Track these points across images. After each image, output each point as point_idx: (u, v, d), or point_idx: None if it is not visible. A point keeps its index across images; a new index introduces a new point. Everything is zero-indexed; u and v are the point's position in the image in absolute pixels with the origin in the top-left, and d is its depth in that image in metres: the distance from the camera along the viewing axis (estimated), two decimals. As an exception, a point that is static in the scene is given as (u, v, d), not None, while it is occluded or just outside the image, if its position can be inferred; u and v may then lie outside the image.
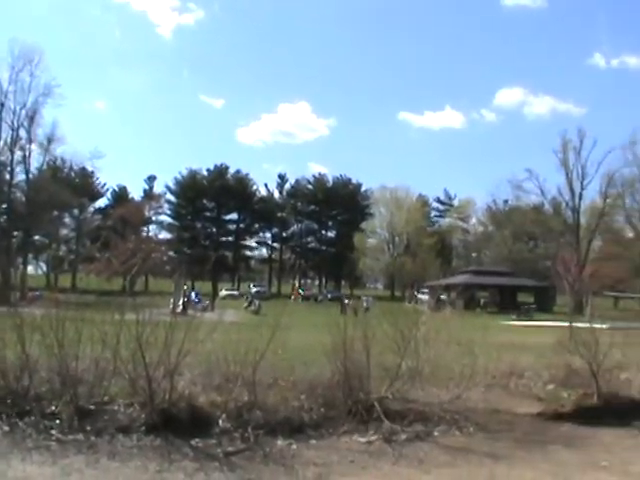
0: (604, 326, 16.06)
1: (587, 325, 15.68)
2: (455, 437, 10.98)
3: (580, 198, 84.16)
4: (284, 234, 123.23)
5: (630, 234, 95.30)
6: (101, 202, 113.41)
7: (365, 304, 41.26)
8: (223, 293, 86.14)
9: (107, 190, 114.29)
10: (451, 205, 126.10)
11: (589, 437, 11.67)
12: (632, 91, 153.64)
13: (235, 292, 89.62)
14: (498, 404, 13.07)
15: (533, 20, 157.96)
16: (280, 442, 10.09)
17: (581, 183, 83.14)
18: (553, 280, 52.30)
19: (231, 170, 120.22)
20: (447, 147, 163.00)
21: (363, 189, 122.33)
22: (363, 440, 10.43)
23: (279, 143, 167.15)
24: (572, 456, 10.27)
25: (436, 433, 11.01)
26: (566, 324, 19.57)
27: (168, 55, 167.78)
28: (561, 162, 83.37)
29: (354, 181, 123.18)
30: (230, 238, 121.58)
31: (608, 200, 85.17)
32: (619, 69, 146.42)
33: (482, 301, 73.33)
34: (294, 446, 9.99)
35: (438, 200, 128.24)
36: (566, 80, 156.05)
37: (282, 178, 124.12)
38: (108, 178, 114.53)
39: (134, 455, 9.22)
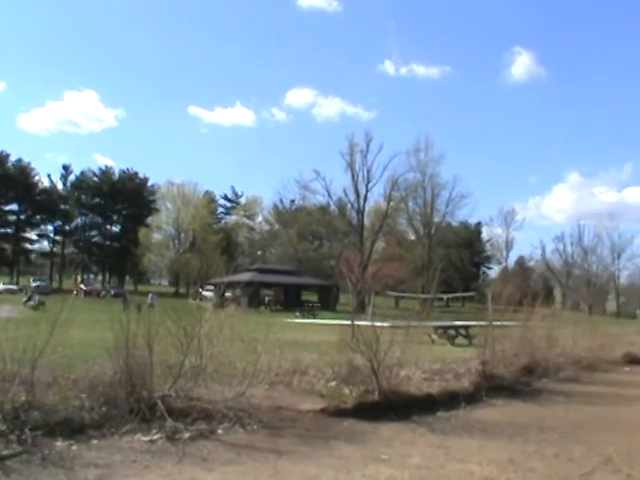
0: (385, 324, 16.45)
1: (369, 323, 16.00)
2: (239, 434, 10.87)
3: (365, 200, 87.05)
4: (67, 227, 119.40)
5: (412, 236, 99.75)
6: None
7: (149, 300, 40.75)
8: (0, 287, 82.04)
9: None
10: (238, 203, 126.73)
11: (370, 432, 11.91)
12: (419, 99, 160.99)
13: (14, 286, 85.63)
14: (282, 401, 13.09)
15: (327, 24, 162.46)
16: (60, 443, 9.56)
17: (366, 186, 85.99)
18: (337, 279, 53.39)
19: (12, 158, 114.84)
20: (237, 144, 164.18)
21: (150, 184, 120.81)
22: (146, 439, 10.10)
23: (64, 132, 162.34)
24: (354, 450, 10.41)
25: (220, 431, 10.84)
26: (349, 322, 19.95)
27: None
28: (348, 164, 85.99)
29: (141, 175, 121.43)
30: (9, 230, 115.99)
31: (392, 203, 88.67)
32: (408, 77, 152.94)
33: (267, 299, 74.12)
34: (74, 447, 9.50)
35: (225, 197, 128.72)
36: (356, 84, 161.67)
37: (66, 169, 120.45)
38: None
39: None
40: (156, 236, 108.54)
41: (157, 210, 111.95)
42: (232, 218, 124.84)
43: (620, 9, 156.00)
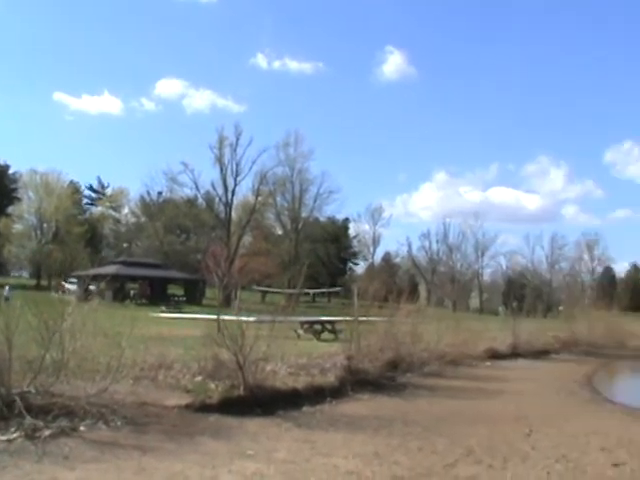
0: (251, 319, 16.42)
1: (235, 318, 15.94)
2: (102, 431, 10.61)
3: (233, 194, 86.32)
4: None
5: (279, 231, 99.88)
6: None
7: (5, 293, 39.42)
8: None
9: None
10: (104, 194, 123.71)
11: (236, 427, 11.88)
12: (290, 94, 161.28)
13: None
14: (146, 397, 12.88)
15: (201, 14, 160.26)
16: None
17: (235, 179, 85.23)
18: (203, 273, 52.95)
19: None
20: (104, 133, 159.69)
21: (11, 171, 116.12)
22: (3, 438, 9.70)
23: None
24: (220, 446, 10.35)
25: (82, 428, 10.54)
26: (215, 317, 19.80)
27: None
28: (217, 157, 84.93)
29: (1, 162, 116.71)
30: None
31: (260, 197, 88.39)
32: (280, 71, 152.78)
33: (132, 293, 72.75)
34: None
35: (91, 188, 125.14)
36: (228, 77, 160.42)
37: None
38: None
39: None
40: (17, 226, 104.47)
41: (18, 199, 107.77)
42: (97, 209, 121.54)
43: (486, 10, 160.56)
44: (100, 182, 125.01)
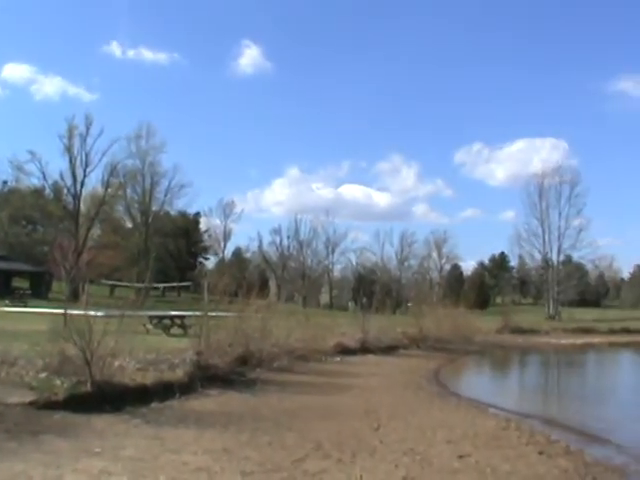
0: (99, 314, 16.09)
1: (82, 312, 15.58)
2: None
3: (82, 185, 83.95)
4: None
5: (129, 224, 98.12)
6: None
7: None
8: None
9: None
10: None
11: (83, 424, 11.62)
12: (144, 84, 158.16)
13: None
14: (-13, 394, 12.41)
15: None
16: None
17: (84, 170, 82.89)
18: (50, 266, 51.42)
19: None
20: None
21: None
22: None
23: None
24: (65, 444, 10.09)
25: None
26: (61, 311, 19.29)
27: None
28: (66, 147, 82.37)
29: None
30: None
31: (110, 189, 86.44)
32: (135, 60, 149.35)
33: (-26, 286, 70.06)
34: None
35: None
36: (80, 64, 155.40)
37: None
38: None
39: None
40: None
41: None
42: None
43: (343, 9, 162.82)
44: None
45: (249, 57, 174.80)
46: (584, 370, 37.59)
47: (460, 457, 10.96)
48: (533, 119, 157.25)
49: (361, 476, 9.29)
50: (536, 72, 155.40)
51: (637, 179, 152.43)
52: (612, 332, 61.69)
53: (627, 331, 62.90)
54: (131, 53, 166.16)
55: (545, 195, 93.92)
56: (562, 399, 23.93)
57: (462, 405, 18.41)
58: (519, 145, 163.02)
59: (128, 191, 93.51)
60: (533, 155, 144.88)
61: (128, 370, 15.77)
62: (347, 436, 12.33)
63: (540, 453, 11.74)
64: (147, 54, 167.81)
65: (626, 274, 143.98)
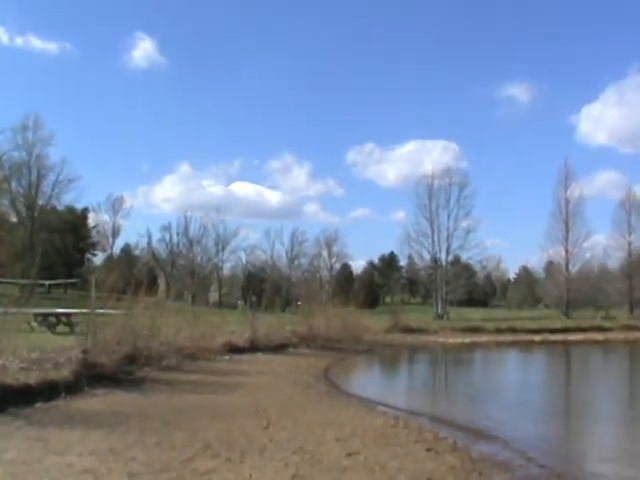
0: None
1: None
2: None
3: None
4: None
5: (14, 219, 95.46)
6: None
7: None
8: None
9: None
10: None
11: (-39, 427, 11.21)
12: (32, 74, 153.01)
13: None
14: None
15: None
16: None
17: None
18: None
19: None
20: None
21: None
22: None
23: None
24: None
25: None
26: None
27: None
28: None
29: None
30: None
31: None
32: (23, 48, 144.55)
33: None
34: None
35: None
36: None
37: None
38: None
39: None
40: None
41: None
42: None
43: (239, 7, 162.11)
44: None
45: (142, 50, 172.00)
46: (471, 369, 38.56)
47: (349, 455, 11.02)
48: (426, 121, 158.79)
49: (250, 475, 9.24)
50: (430, 74, 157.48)
51: (524, 183, 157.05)
52: (499, 331, 63.00)
53: (513, 330, 64.32)
54: (19, 40, 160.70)
55: (435, 196, 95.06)
56: (450, 397, 24.47)
57: (351, 403, 18.56)
58: (410, 146, 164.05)
59: (13, 184, 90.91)
60: (424, 157, 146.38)
61: (11, 369, 15.33)
62: (237, 435, 12.27)
63: (428, 450, 11.89)
64: (36, 42, 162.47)
65: (512, 275, 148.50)
